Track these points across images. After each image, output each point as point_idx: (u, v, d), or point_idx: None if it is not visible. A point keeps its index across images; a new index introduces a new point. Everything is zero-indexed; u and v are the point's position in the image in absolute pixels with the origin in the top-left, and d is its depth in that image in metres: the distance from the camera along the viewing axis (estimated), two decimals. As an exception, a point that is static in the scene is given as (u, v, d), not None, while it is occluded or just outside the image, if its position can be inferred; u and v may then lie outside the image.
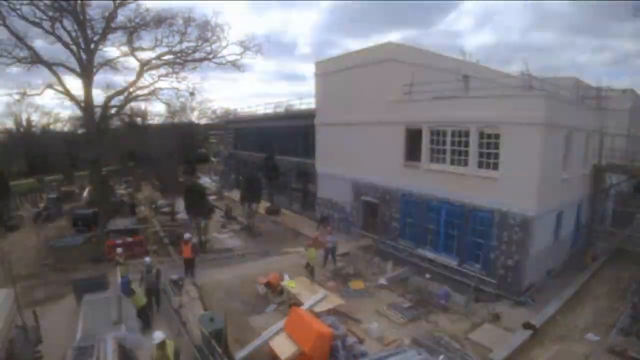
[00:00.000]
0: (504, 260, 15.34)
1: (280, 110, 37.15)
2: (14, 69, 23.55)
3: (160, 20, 24.09)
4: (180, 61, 25.97)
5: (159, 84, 27.05)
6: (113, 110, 25.98)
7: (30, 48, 22.55)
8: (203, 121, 38.33)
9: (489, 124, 15.64)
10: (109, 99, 25.80)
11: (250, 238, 24.34)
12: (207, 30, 25.45)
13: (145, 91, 27.03)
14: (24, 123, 42.56)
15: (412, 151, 19.32)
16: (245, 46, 26.78)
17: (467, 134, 16.50)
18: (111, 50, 25.53)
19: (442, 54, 22.27)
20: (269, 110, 39.68)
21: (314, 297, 13.51)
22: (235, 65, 27.40)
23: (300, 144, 30.62)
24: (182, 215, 26.85)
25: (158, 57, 25.67)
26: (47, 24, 22.33)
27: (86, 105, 23.89)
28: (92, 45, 23.68)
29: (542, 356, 11.46)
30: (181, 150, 37.95)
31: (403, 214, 20.10)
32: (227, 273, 18.19)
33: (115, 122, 28.98)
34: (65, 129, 31.00)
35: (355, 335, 12.10)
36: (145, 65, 25.36)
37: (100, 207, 24.68)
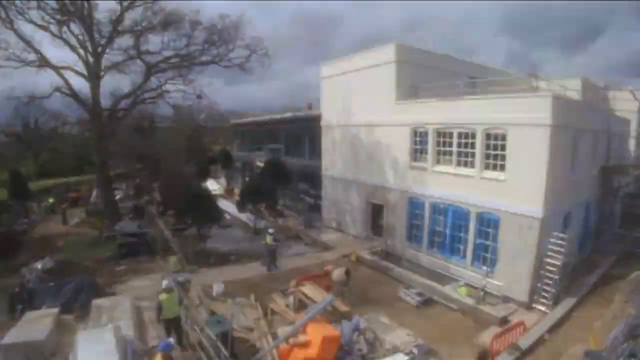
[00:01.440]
0: (511, 262, 15.23)
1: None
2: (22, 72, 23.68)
3: (167, 23, 24.21)
4: (187, 64, 26.09)
5: (166, 87, 27.23)
6: (120, 114, 26.17)
7: (37, 51, 22.76)
8: (210, 124, 38.35)
9: (495, 125, 15.56)
10: (117, 101, 25.99)
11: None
12: (214, 34, 25.56)
13: (153, 94, 27.21)
14: (32, 126, 42.91)
15: (418, 153, 19.29)
16: (252, 49, 26.80)
17: (473, 136, 16.42)
18: (118, 53, 25.48)
19: (448, 55, 22.20)
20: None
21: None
22: (243, 69, 27.43)
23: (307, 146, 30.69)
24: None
25: (165, 60, 25.81)
26: (54, 28, 22.57)
27: (94, 108, 24.08)
28: (100, 49, 23.87)
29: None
30: (190, 153, 38.09)
31: (409, 216, 20.04)
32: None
33: (123, 125, 29.14)
34: (74, 131, 31.06)
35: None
36: (152, 68, 25.51)
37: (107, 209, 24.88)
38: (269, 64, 27.32)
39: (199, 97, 27.95)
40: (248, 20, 25.78)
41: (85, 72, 24.21)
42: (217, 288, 15.31)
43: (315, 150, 28.42)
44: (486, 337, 12.12)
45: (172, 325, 11.55)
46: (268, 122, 38.57)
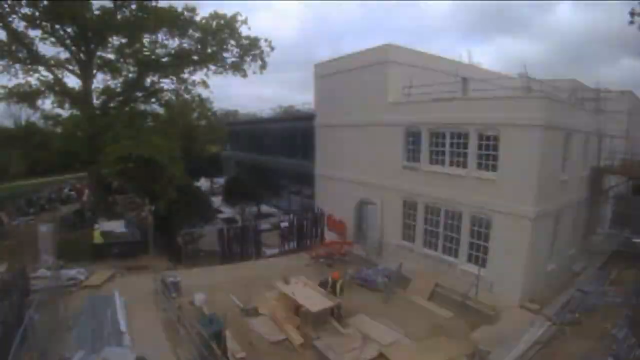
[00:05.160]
0: (502, 261, 15.35)
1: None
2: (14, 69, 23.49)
3: (161, 22, 24.00)
4: (180, 63, 25.89)
5: (159, 86, 27.04)
6: (113, 112, 25.91)
7: (29, 48, 22.54)
8: (203, 123, 38.01)
9: (487, 126, 15.67)
10: (109, 100, 25.78)
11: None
12: (207, 33, 25.37)
13: (145, 92, 27.02)
14: (24, 124, 42.58)
15: (412, 153, 19.38)
16: (245, 50, 26.50)
17: (466, 136, 16.53)
18: (111, 51, 25.29)
19: (441, 56, 22.31)
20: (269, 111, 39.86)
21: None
22: (237, 70, 27.12)
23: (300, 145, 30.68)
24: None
25: (157, 59, 25.62)
26: (46, 25, 22.34)
27: (86, 106, 23.88)
28: (92, 46, 23.68)
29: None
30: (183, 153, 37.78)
31: (403, 216, 20.11)
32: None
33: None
34: (66, 130, 30.68)
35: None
36: (144, 67, 25.30)
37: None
38: (264, 65, 27.04)
39: (193, 97, 27.81)
40: (243, 20, 25.56)
41: (77, 70, 24.05)
42: (199, 298, 15.06)
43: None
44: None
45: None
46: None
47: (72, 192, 38.87)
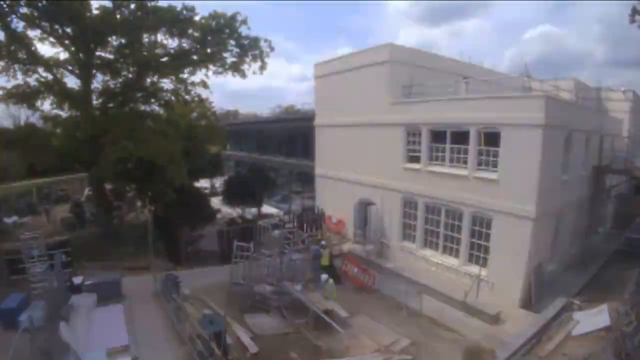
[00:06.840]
0: (503, 261, 15.28)
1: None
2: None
3: (160, 22, 23.91)
4: (179, 63, 25.77)
5: (158, 85, 26.92)
6: (112, 112, 25.79)
7: (29, 48, 22.43)
8: (203, 123, 37.83)
9: (488, 125, 15.62)
10: (108, 100, 25.67)
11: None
12: (207, 33, 25.25)
13: (145, 92, 26.89)
14: (23, 124, 42.33)
15: (412, 152, 19.32)
16: (245, 50, 26.35)
17: (466, 136, 16.47)
18: (110, 51, 25.13)
19: (441, 56, 22.26)
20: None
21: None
22: (236, 70, 26.95)
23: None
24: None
25: (157, 59, 25.51)
26: (45, 25, 22.25)
27: (85, 106, 23.76)
28: (91, 46, 23.56)
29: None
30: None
31: (403, 216, 20.05)
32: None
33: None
34: (65, 130, 30.45)
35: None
36: (144, 67, 25.18)
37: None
38: (264, 65, 26.88)
39: (191, 96, 27.67)
40: (243, 20, 25.44)
41: (76, 70, 23.95)
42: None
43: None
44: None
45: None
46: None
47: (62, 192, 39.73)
